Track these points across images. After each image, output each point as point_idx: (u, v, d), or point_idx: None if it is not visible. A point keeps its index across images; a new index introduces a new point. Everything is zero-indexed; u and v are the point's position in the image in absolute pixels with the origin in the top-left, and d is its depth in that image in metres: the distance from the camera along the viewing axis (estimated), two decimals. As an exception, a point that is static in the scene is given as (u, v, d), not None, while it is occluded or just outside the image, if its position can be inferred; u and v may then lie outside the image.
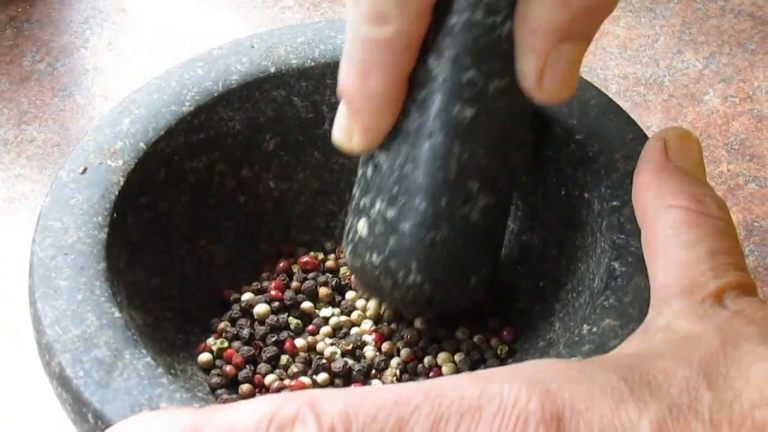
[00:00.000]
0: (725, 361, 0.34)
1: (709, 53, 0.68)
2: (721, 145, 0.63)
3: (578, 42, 0.39)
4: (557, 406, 0.32)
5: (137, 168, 0.46)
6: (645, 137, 0.46)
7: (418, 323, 0.47)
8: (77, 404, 0.39)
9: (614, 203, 0.44)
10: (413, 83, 0.40)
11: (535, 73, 0.39)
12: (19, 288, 0.54)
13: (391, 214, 0.42)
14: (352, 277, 0.49)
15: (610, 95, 0.49)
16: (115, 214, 0.45)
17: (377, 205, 0.43)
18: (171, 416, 0.31)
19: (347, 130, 0.42)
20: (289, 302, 0.48)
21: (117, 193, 0.45)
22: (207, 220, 0.50)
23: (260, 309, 0.48)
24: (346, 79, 0.41)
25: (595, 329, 0.40)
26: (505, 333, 0.47)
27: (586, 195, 0.46)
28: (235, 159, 0.51)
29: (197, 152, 0.49)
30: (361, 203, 0.44)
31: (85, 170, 0.46)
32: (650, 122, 0.63)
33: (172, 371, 0.44)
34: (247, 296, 0.49)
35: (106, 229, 0.44)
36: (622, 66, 0.67)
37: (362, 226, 0.44)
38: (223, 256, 0.50)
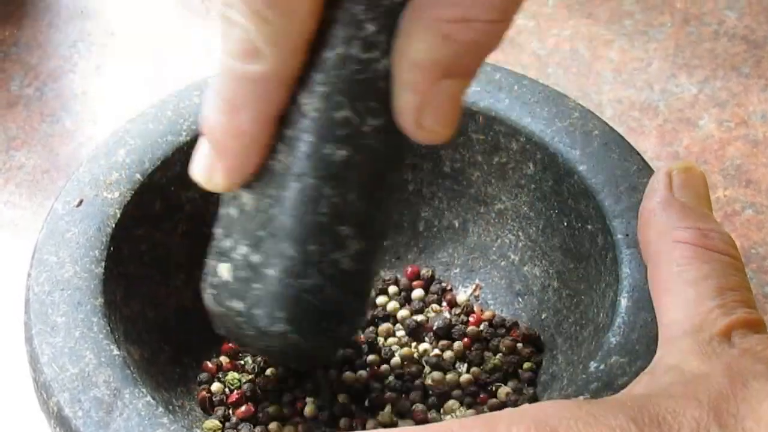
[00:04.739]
0: (735, 400, 0.34)
1: (704, 77, 0.67)
2: (716, 171, 0.62)
3: (460, 78, 0.36)
4: (566, 449, 0.32)
5: (133, 200, 0.46)
6: (648, 168, 0.46)
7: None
8: (76, 445, 0.38)
9: (618, 236, 0.43)
10: (283, 120, 0.37)
11: (414, 111, 0.36)
12: (8, 316, 0.54)
13: (255, 258, 0.39)
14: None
15: (605, 120, 0.48)
16: (111, 248, 0.44)
17: (241, 249, 0.40)
18: None
19: (208, 168, 0.39)
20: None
21: (113, 226, 0.45)
22: (203, 250, 0.49)
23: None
24: (212, 116, 0.37)
25: (602, 366, 0.40)
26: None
27: (589, 227, 0.45)
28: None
29: (193, 182, 0.48)
30: (223, 245, 0.41)
31: (80, 203, 0.45)
32: (645, 147, 0.63)
33: (171, 407, 0.44)
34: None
35: (102, 263, 0.44)
36: (616, 90, 0.67)
37: (224, 271, 0.41)
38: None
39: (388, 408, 0.46)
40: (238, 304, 0.40)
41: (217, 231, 0.41)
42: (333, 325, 0.41)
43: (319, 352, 0.44)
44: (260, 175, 0.38)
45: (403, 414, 0.46)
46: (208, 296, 0.42)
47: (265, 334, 0.40)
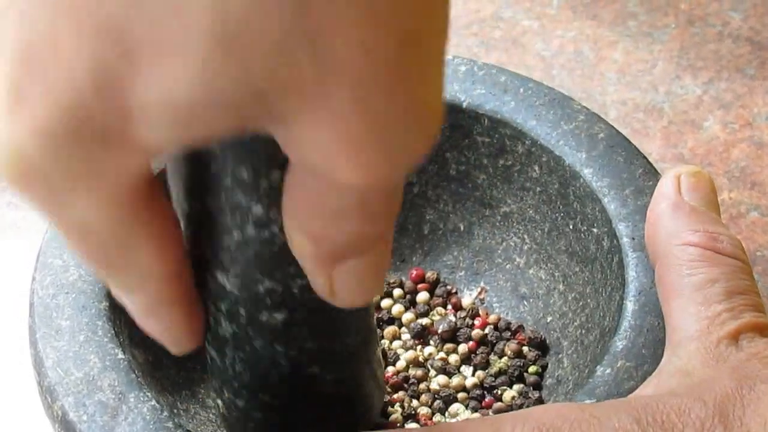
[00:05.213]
0: (741, 402, 0.34)
1: (708, 78, 0.67)
2: (721, 173, 0.62)
3: (362, 255, 0.31)
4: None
5: (138, 202, 0.45)
6: (654, 171, 0.45)
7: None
8: (81, 450, 0.38)
9: (624, 239, 0.43)
10: (214, 294, 0.35)
11: (326, 291, 0.33)
12: (11, 318, 0.54)
13: (240, 403, 0.39)
14: None
15: (609, 121, 0.48)
16: (116, 251, 0.44)
17: (225, 393, 0.39)
18: None
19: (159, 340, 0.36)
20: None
21: (118, 228, 0.44)
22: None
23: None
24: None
25: (608, 371, 0.39)
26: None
27: (595, 230, 0.45)
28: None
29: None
30: (213, 384, 0.40)
31: (85, 205, 0.45)
32: (650, 149, 0.63)
33: (175, 410, 0.44)
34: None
35: (107, 267, 0.43)
36: (620, 92, 0.67)
37: (221, 405, 0.40)
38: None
39: (397, 412, 0.46)
40: None
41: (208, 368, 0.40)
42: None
43: None
44: (216, 338, 0.37)
45: (408, 417, 0.46)
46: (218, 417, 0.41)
47: None
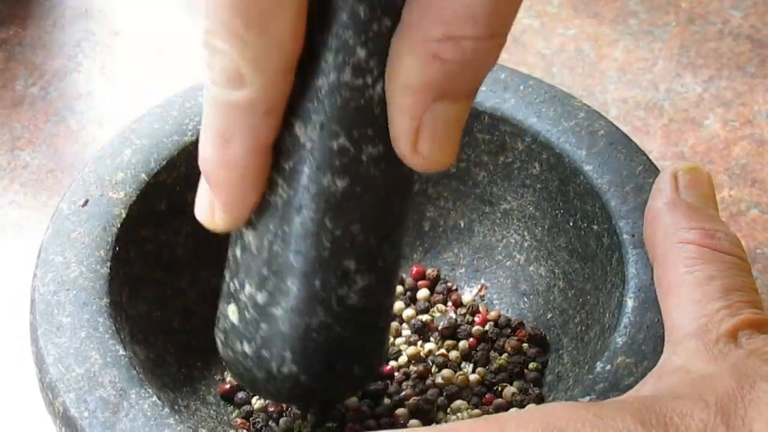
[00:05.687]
0: (743, 401, 0.34)
1: (709, 76, 0.67)
2: (722, 171, 0.62)
3: (456, 101, 0.34)
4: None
5: (139, 199, 0.46)
6: (655, 168, 0.45)
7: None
8: (82, 446, 0.38)
9: (625, 236, 0.43)
10: (279, 153, 0.36)
11: (409, 136, 0.34)
12: (12, 317, 0.54)
13: (261, 298, 0.38)
14: None
15: (610, 119, 0.48)
16: (117, 248, 0.44)
17: (247, 289, 0.39)
18: None
19: (209, 207, 0.38)
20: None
21: (119, 225, 0.45)
22: (209, 251, 0.49)
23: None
24: (204, 150, 0.36)
25: (608, 367, 0.40)
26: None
27: (595, 227, 0.45)
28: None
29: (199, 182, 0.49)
30: (230, 287, 0.40)
31: (86, 203, 0.45)
32: (651, 147, 0.63)
33: (176, 407, 0.44)
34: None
35: (108, 263, 0.43)
36: (621, 90, 0.67)
37: (232, 313, 0.40)
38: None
39: (404, 409, 0.46)
40: (246, 347, 0.40)
41: (225, 273, 0.41)
42: (345, 366, 0.40)
43: (333, 395, 0.43)
44: (262, 212, 0.37)
45: (413, 413, 0.46)
46: (218, 341, 0.41)
47: (274, 377, 0.40)
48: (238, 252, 0.39)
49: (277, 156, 0.36)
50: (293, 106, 0.35)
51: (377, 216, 0.37)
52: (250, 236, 0.38)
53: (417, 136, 0.34)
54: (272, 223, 0.37)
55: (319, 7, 0.34)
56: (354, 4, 0.33)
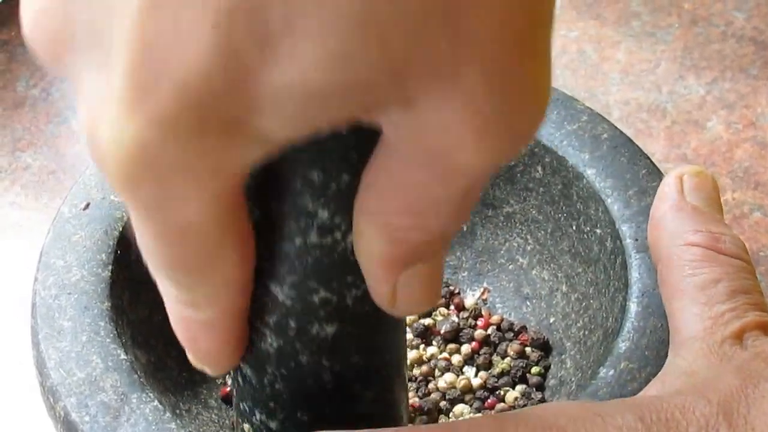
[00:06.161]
0: (746, 400, 0.34)
1: (712, 78, 0.67)
2: (725, 173, 0.62)
3: (429, 260, 0.32)
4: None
5: (140, 203, 0.45)
6: (658, 172, 0.45)
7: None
8: (83, 450, 0.38)
9: (628, 240, 0.43)
10: (262, 309, 0.35)
11: (387, 300, 0.32)
12: (12, 318, 0.54)
13: (273, 425, 0.38)
14: None
15: (612, 122, 0.48)
16: (118, 251, 0.44)
17: (257, 415, 0.38)
18: None
19: (197, 364, 0.35)
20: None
21: (120, 229, 0.44)
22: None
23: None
24: (178, 335, 0.34)
25: (612, 372, 0.39)
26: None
27: (598, 231, 0.45)
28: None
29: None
30: (241, 407, 0.39)
31: (87, 206, 0.45)
32: (653, 149, 0.63)
33: (178, 411, 0.43)
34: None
35: (109, 267, 0.43)
36: (623, 92, 0.66)
37: (247, 430, 0.39)
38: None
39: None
40: None
41: (232, 390, 0.40)
42: None
43: None
44: (255, 356, 0.36)
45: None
46: None
47: None
48: (239, 380, 0.38)
49: (261, 311, 0.35)
50: (265, 269, 0.34)
51: (375, 342, 0.37)
52: (248, 372, 0.37)
53: (394, 299, 0.32)
54: (268, 365, 0.36)
55: (271, 179, 0.32)
56: (306, 171, 0.31)
